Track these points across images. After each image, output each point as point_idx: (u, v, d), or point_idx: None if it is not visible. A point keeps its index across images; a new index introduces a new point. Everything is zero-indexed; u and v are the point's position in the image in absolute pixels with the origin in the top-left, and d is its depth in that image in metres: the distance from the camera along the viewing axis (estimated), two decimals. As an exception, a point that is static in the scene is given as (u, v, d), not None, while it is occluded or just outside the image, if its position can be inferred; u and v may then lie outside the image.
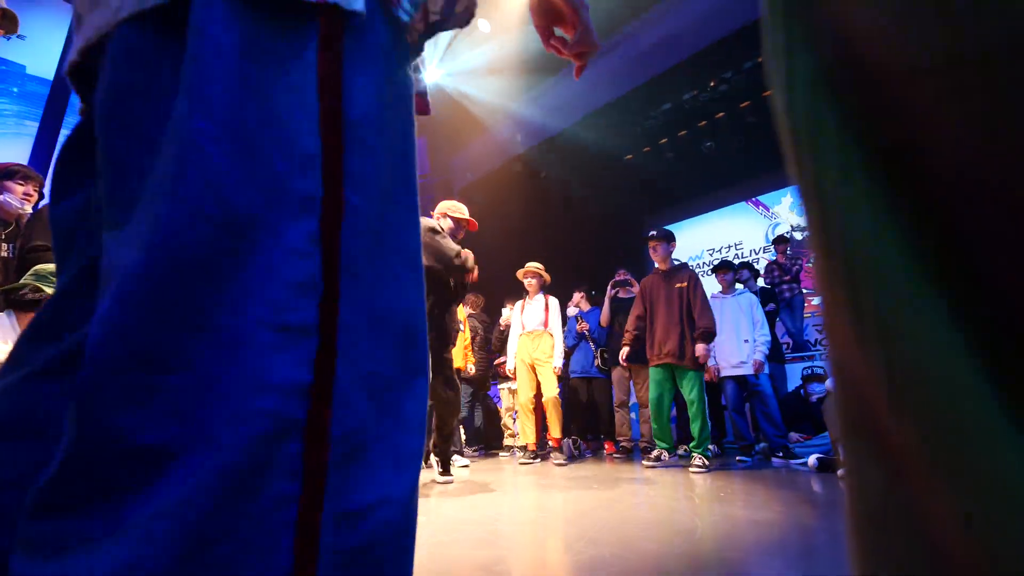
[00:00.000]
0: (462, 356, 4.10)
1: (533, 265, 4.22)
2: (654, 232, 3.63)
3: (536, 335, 4.09)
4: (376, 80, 0.35)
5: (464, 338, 4.20)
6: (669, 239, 3.59)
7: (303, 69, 0.32)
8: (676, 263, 3.63)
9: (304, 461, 0.29)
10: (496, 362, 5.02)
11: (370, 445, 0.32)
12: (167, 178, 0.28)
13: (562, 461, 3.80)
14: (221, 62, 0.29)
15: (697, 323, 3.30)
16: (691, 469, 3.14)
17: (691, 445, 3.27)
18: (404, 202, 0.38)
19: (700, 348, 3.24)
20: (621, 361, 3.75)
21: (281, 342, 0.29)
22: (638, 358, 3.67)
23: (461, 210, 2.89)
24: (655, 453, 3.61)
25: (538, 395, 4.08)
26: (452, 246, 2.67)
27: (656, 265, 3.62)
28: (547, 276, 4.25)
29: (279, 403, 0.28)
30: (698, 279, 3.49)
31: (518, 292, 4.87)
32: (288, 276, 0.30)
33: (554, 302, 4.24)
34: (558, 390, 3.99)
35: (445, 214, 2.85)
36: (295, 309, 0.30)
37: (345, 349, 0.31)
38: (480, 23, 6.33)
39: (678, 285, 3.45)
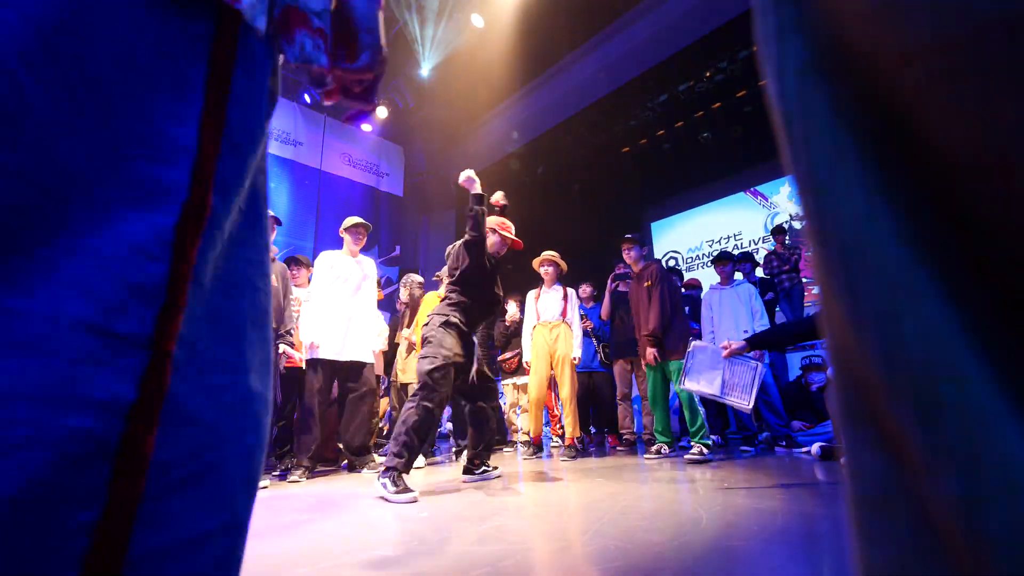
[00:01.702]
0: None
1: (549, 253, 4.15)
2: (628, 235, 3.77)
3: (553, 326, 4.02)
4: (258, 95, 0.33)
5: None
6: (641, 242, 3.77)
7: (193, 57, 0.29)
8: (643, 262, 3.74)
9: (110, 490, 0.24)
10: (500, 358, 5.02)
11: (214, 468, 0.29)
12: None
13: (570, 457, 3.80)
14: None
15: (645, 324, 3.44)
16: (687, 457, 3.16)
17: (691, 434, 3.29)
18: (255, 211, 0.36)
19: (649, 353, 3.40)
20: (651, 359, 3.67)
21: (102, 350, 0.24)
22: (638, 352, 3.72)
23: (509, 228, 2.95)
24: (655, 447, 3.63)
25: (550, 389, 4.05)
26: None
27: (630, 266, 3.77)
28: (564, 264, 4.18)
29: (89, 422, 0.24)
30: (663, 275, 3.56)
31: (519, 288, 4.87)
32: (128, 275, 0.25)
33: (572, 293, 4.20)
34: (575, 387, 3.97)
35: (493, 229, 2.89)
36: (127, 316, 0.25)
37: (182, 365, 0.28)
38: (473, 18, 6.30)
39: (646, 284, 3.52)
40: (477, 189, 2.66)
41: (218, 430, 0.30)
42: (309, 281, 4.12)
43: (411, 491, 2.16)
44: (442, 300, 2.77)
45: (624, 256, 3.77)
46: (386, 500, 2.15)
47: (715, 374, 2.63)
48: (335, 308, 3.35)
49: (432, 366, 2.46)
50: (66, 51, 0.25)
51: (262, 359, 0.35)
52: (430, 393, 2.43)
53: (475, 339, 2.77)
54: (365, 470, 3.43)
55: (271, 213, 3.13)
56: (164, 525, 0.26)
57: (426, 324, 2.66)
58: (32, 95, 0.24)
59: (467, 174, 2.70)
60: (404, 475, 2.26)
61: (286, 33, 0.38)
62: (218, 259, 0.31)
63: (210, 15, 0.30)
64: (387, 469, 2.24)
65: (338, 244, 3.68)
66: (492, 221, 2.92)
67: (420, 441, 2.39)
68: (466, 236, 2.68)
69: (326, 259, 3.45)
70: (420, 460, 3.71)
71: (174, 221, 0.27)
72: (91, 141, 0.25)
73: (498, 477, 2.85)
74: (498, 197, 2.99)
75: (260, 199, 0.37)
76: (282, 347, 3.22)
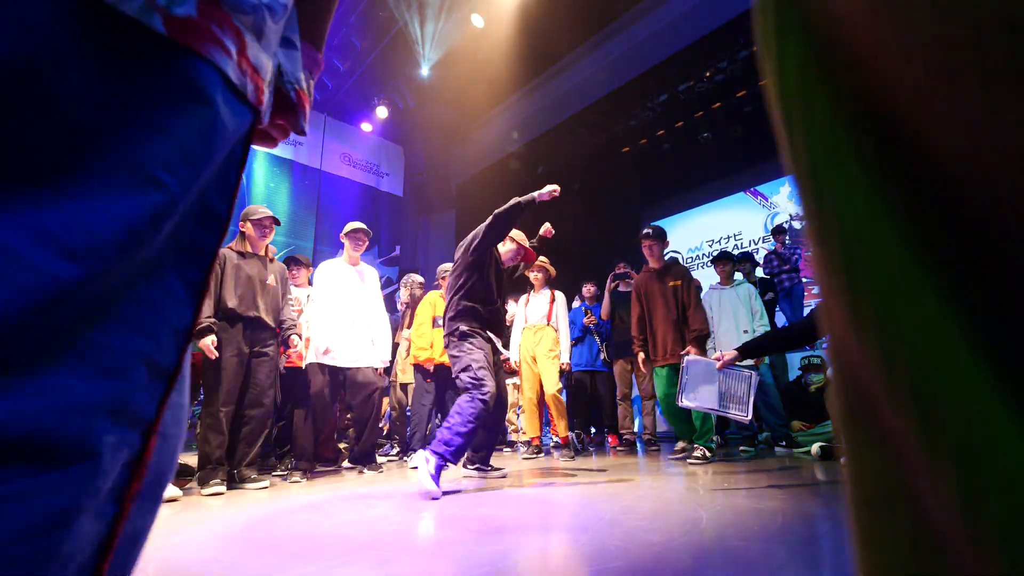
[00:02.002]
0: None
1: (539, 261, 4.22)
2: (648, 230, 3.59)
3: (538, 328, 4.09)
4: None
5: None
6: (663, 237, 3.58)
7: (236, 145, 0.36)
8: (668, 260, 3.62)
9: (127, 489, 0.30)
10: (500, 358, 5.02)
11: (165, 473, 0.35)
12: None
13: (569, 457, 3.81)
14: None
15: (692, 325, 3.30)
16: (690, 460, 3.15)
17: (694, 436, 3.29)
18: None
19: (694, 352, 3.25)
20: (641, 366, 3.68)
21: (147, 379, 0.31)
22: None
23: (524, 240, 3.02)
24: (679, 446, 3.59)
25: (540, 390, 4.09)
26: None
27: (649, 263, 3.60)
28: (552, 270, 4.24)
29: (134, 436, 0.30)
30: (691, 277, 3.48)
31: (519, 288, 4.87)
32: (174, 321, 0.32)
33: (560, 296, 4.24)
34: (560, 385, 3.99)
35: (511, 237, 2.94)
36: (168, 352, 0.32)
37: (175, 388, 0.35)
38: (473, 18, 6.30)
39: (671, 283, 3.43)
40: (536, 197, 2.73)
41: (173, 440, 0.36)
42: (309, 282, 4.12)
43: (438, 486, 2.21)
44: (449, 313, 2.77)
45: (645, 251, 3.56)
46: (423, 486, 2.19)
47: (711, 387, 2.64)
48: (339, 315, 3.37)
49: (470, 366, 2.53)
50: None
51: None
52: (480, 385, 2.48)
53: (498, 345, 2.82)
54: (366, 470, 3.43)
55: (270, 213, 3.13)
56: (134, 519, 0.32)
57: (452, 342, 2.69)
58: None
59: (551, 189, 2.75)
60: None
61: (303, 111, 0.46)
62: None
63: (251, 112, 0.37)
64: (445, 456, 2.28)
65: (338, 245, 3.68)
66: (516, 234, 2.94)
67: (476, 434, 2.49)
68: (490, 219, 2.69)
69: (324, 270, 3.46)
70: (418, 460, 3.70)
71: (202, 276, 0.34)
72: (176, 219, 0.32)
73: (503, 477, 2.85)
74: (546, 228, 3.04)
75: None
76: (297, 343, 3.21)
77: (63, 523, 0.25)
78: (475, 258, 2.70)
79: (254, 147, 0.46)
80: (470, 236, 2.78)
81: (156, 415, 0.31)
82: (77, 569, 0.27)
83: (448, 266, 4.20)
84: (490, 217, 2.71)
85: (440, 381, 3.99)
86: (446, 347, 2.70)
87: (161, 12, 0.29)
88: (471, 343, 2.61)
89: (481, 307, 2.71)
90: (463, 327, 2.64)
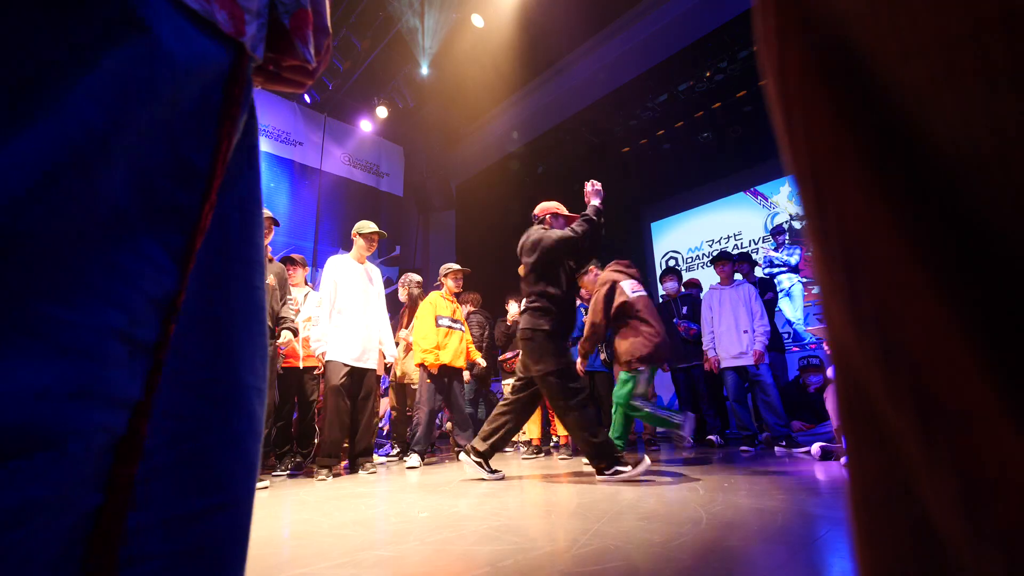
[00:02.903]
0: (463, 354, 4.09)
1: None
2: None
3: None
4: (252, 121, 0.36)
5: (465, 336, 4.19)
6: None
7: (211, 87, 0.32)
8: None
9: (112, 476, 0.28)
10: (500, 358, 5.02)
11: (196, 454, 0.32)
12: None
13: (565, 456, 3.81)
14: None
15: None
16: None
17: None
18: (249, 212, 0.38)
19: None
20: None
21: (126, 356, 0.28)
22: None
23: (562, 208, 3.08)
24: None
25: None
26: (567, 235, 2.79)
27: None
28: None
29: (112, 418, 0.27)
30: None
31: (518, 289, 4.86)
32: (149, 290, 0.29)
33: None
34: None
35: (553, 211, 3.02)
36: (145, 325, 0.29)
37: (174, 363, 0.31)
38: (473, 18, 6.30)
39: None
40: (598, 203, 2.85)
41: (198, 421, 0.32)
42: (306, 281, 4.11)
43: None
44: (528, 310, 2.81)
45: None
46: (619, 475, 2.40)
47: None
48: (352, 314, 3.39)
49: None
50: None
51: (255, 353, 0.37)
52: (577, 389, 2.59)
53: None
54: (362, 471, 3.43)
55: (269, 213, 3.13)
56: (151, 506, 0.30)
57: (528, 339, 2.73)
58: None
59: (596, 187, 2.88)
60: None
61: (301, 35, 0.40)
62: (212, 262, 0.34)
63: (225, 48, 0.32)
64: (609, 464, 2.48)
65: (338, 245, 3.68)
66: (548, 206, 3.04)
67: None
68: (570, 232, 2.76)
69: (336, 267, 3.47)
70: (415, 460, 3.71)
71: (185, 240, 0.31)
72: (133, 170, 0.28)
73: (501, 479, 2.85)
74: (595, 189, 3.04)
75: (254, 201, 0.39)
76: (288, 339, 3.20)
77: (16, 521, 0.23)
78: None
79: (274, 92, 0.42)
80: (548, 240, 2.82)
81: (145, 395, 0.29)
82: (46, 565, 0.25)
83: (451, 266, 4.20)
84: (573, 232, 2.78)
85: (447, 380, 3.97)
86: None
87: None
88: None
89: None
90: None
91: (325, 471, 3.17)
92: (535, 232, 2.87)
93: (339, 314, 3.38)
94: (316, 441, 3.84)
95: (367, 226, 3.58)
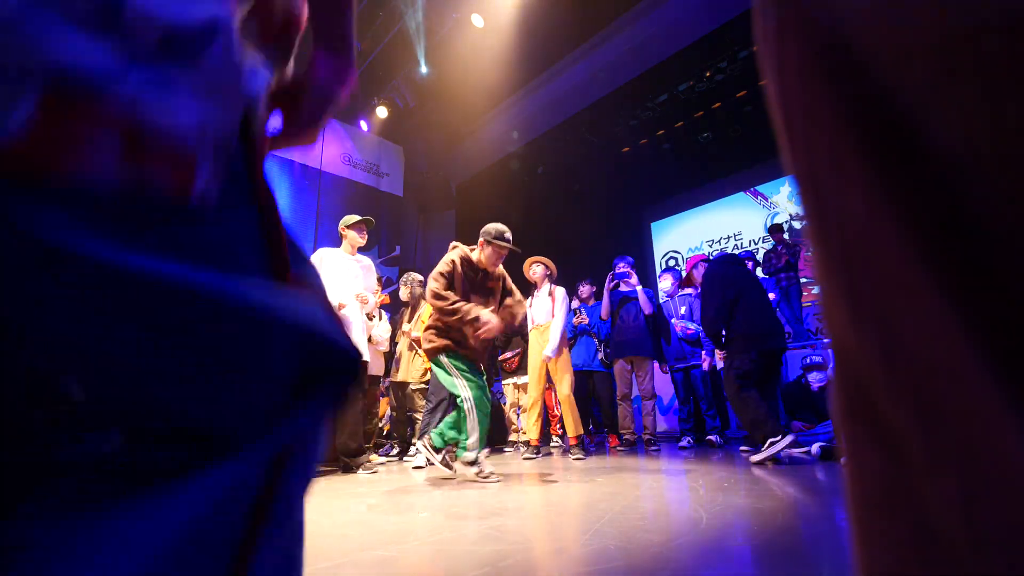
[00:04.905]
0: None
1: (538, 258, 4.18)
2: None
3: (545, 328, 4.01)
4: None
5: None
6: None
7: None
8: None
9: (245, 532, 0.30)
10: (500, 357, 5.02)
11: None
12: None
13: (580, 456, 3.80)
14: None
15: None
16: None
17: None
18: None
19: None
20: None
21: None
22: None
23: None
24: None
25: (549, 390, 4.04)
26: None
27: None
28: (553, 267, 4.19)
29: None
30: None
31: (520, 288, 4.86)
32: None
33: (560, 291, 4.20)
34: (571, 388, 3.95)
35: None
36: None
37: None
38: (473, 18, 6.30)
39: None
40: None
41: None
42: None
43: None
44: None
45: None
46: None
47: None
48: (351, 310, 3.38)
49: None
50: None
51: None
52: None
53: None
54: (360, 471, 3.42)
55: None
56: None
57: None
58: None
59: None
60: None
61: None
62: None
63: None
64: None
65: (338, 245, 3.67)
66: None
67: None
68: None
69: (326, 256, 3.44)
70: (421, 459, 3.70)
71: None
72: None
73: (497, 482, 2.85)
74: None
75: None
76: None
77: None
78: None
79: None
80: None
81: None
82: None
83: (352, 217, 4.15)
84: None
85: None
86: None
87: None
88: None
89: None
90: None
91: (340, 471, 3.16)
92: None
93: (339, 311, 3.38)
94: None
95: (350, 218, 3.54)
